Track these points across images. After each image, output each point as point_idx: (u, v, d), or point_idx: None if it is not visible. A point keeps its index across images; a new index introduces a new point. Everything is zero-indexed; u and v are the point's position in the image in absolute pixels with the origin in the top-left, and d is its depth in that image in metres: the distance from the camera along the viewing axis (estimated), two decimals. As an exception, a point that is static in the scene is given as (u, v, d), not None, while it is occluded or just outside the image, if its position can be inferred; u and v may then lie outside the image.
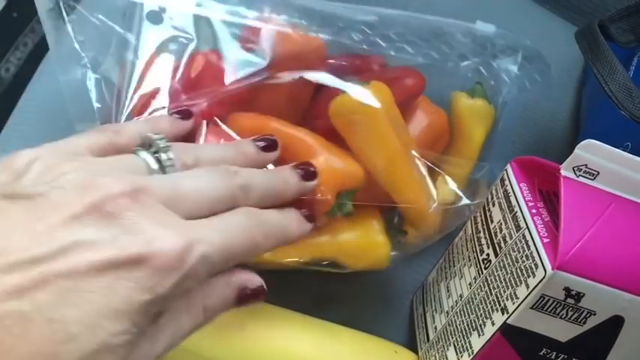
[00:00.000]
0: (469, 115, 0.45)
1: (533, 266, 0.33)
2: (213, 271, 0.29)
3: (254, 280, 0.32)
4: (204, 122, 0.39)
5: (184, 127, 0.37)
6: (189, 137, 0.38)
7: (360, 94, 0.39)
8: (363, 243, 0.41)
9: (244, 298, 0.31)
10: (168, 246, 0.26)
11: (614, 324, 0.34)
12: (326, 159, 0.39)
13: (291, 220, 0.35)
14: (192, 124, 0.38)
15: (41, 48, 0.51)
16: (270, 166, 0.37)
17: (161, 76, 0.40)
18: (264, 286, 0.32)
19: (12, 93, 0.59)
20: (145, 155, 0.31)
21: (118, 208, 0.26)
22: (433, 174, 0.42)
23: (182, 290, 0.27)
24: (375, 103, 0.39)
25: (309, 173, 0.37)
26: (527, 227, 0.35)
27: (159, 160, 0.31)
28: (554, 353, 0.35)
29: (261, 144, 0.36)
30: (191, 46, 0.41)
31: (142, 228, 0.26)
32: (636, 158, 0.34)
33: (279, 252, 0.40)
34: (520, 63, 0.46)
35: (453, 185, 0.42)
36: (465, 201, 0.42)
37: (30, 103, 0.53)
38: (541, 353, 0.35)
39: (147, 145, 0.32)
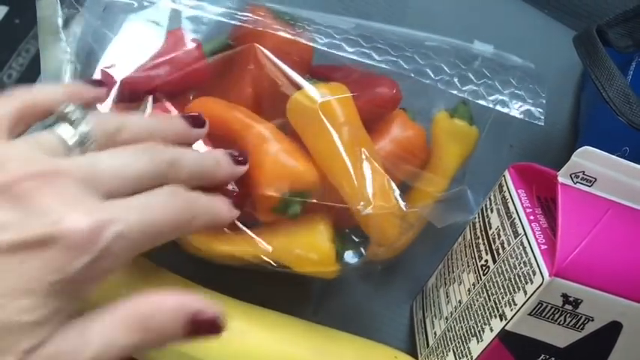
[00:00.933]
0: (445, 135, 0.44)
1: (531, 273, 0.34)
2: (135, 250, 0.28)
3: (208, 310, 0.29)
4: (150, 97, 0.39)
5: (99, 94, 0.36)
6: None
7: (311, 91, 0.39)
8: (305, 245, 0.40)
9: (195, 327, 0.28)
10: (76, 225, 0.26)
11: (613, 330, 0.34)
12: (276, 153, 0.39)
13: (220, 204, 0.35)
14: (106, 92, 0.36)
15: (43, 55, 0.51)
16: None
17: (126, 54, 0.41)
18: (220, 319, 0.29)
19: (14, 99, 0.59)
20: (61, 130, 0.30)
21: (26, 190, 0.26)
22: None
23: (100, 271, 0.27)
24: (318, 99, 0.39)
25: (240, 158, 0.37)
26: (525, 234, 0.35)
27: (76, 135, 0.30)
28: (553, 359, 0.35)
29: (189, 119, 0.36)
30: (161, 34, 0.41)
31: (50, 209, 0.26)
32: (633, 165, 0.34)
33: (221, 244, 0.39)
34: (515, 83, 0.45)
35: (395, 191, 0.40)
36: (402, 207, 0.40)
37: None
38: (540, 359, 0.35)
39: (62, 117, 0.31)
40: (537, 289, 0.33)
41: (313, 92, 0.39)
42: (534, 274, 0.33)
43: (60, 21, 0.41)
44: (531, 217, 0.36)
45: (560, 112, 0.55)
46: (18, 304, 0.25)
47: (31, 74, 0.64)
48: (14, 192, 0.26)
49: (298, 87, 0.40)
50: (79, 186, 0.28)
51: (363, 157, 0.39)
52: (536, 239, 0.34)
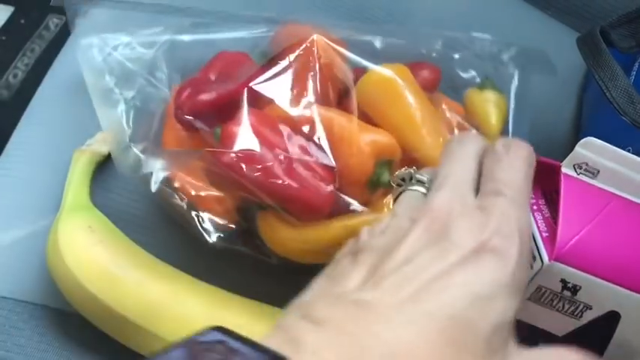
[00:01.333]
0: (482, 107, 0.48)
1: (531, 259, 0.34)
2: None
3: None
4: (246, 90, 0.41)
5: None
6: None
7: (382, 71, 0.43)
8: None
9: None
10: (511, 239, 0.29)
11: (611, 319, 0.34)
12: (361, 129, 0.42)
13: None
14: None
15: (48, 54, 0.51)
16: None
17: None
18: None
19: (19, 98, 0.60)
20: None
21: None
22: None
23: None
24: (394, 76, 0.43)
25: None
26: None
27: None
28: None
29: None
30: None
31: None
32: (636, 158, 0.35)
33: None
34: (519, 60, 0.49)
35: None
36: None
37: (40, 108, 0.53)
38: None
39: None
40: (537, 273, 0.33)
41: (385, 70, 0.43)
42: (534, 260, 0.33)
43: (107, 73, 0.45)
44: (534, 207, 0.36)
45: (563, 113, 0.56)
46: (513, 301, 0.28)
47: (36, 74, 0.64)
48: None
49: (361, 71, 0.44)
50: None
51: (445, 110, 0.45)
52: (538, 227, 0.34)
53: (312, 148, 0.41)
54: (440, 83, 0.47)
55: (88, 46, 0.46)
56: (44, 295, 0.46)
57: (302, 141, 0.41)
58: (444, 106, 0.46)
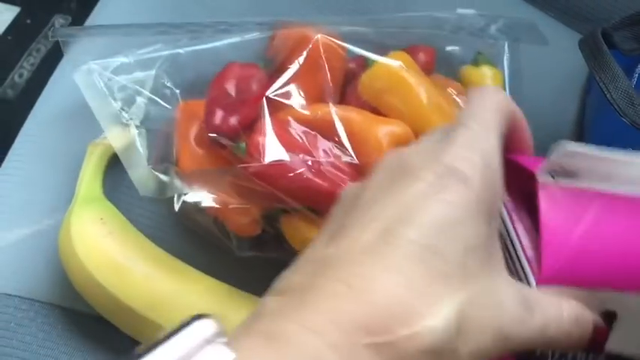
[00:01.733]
0: (480, 83, 0.48)
1: (522, 275, 0.33)
2: None
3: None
4: (264, 100, 0.42)
5: None
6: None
7: (387, 62, 0.43)
8: None
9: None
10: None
11: (607, 318, 0.33)
12: (376, 122, 0.42)
13: None
14: None
15: (54, 54, 0.52)
16: None
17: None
18: None
19: (25, 98, 0.60)
20: None
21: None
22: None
23: None
24: (400, 66, 0.43)
25: None
26: (510, 237, 0.34)
27: None
28: (550, 351, 0.35)
29: None
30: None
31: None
32: (605, 154, 0.32)
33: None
34: (507, 32, 0.49)
35: None
36: None
37: (45, 108, 0.53)
38: (538, 354, 0.35)
39: None
40: None
41: (389, 61, 0.43)
42: (521, 281, 0.32)
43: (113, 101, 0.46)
44: (514, 218, 0.34)
45: (566, 115, 0.56)
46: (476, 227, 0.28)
47: (41, 74, 0.64)
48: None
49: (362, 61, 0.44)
50: None
51: (453, 93, 0.45)
52: (521, 242, 0.33)
53: (334, 148, 0.41)
54: (435, 65, 0.48)
55: (88, 72, 0.46)
56: (50, 292, 0.47)
57: (324, 142, 0.42)
58: (449, 90, 0.46)
